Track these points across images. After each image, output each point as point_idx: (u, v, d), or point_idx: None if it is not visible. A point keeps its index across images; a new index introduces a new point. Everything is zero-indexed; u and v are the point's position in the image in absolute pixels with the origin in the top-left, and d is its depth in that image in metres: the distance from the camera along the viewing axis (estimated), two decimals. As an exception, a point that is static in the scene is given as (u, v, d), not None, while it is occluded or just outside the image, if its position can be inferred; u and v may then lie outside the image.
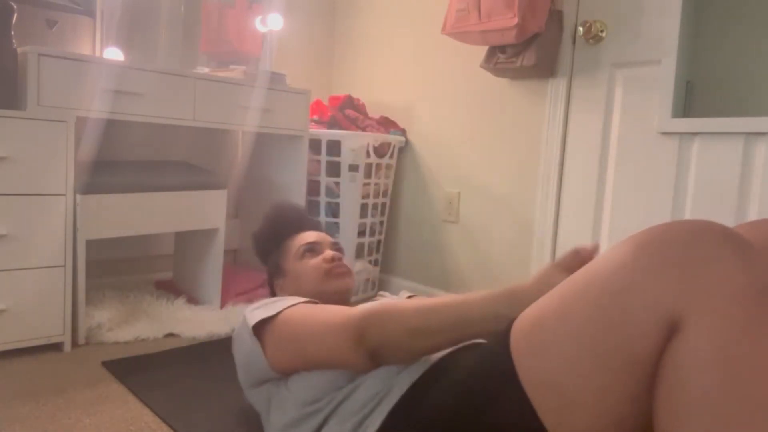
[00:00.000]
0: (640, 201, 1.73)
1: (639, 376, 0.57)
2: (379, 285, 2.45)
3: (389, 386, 0.88)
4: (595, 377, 0.59)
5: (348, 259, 1.23)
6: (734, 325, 0.52)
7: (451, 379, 0.78)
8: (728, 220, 1.55)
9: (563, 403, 0.61)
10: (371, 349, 0.87)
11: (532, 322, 0.67)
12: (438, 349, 0.85)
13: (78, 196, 1.59)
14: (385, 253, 2.50)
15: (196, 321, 1.84)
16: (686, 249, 0.55)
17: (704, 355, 0.52)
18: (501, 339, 0.71)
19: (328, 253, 1.20)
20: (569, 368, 0.61)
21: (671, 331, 0.54)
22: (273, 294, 1.29)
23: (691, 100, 1.85)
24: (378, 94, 2.56)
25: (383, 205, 2.39)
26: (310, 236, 1.25)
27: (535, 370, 0.64)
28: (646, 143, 1.71)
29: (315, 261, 1.20)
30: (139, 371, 1.48)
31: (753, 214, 1.52)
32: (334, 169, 2.20)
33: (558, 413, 0.62)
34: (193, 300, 2.03)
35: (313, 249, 1.23)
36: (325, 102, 2.45)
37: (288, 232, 1.30)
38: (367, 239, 2.30)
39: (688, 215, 1.63)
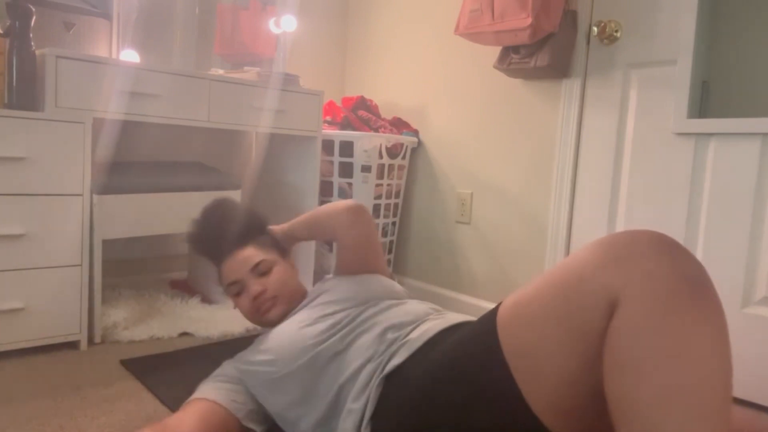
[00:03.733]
0: (655, 202, 1.71)
1: (588, 342, 0.73)
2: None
3: (389, 354, 1.00)
4: (554, 341, 0.76)
5: (278, 270, 1.26)
6: (655, 303, 0.68)
7: (444, 349, 0.92)
8: (745, 222, 1.53)
9: (532, 365, 0.78)
10: None
11: (514, 301, 0.83)
12: None
13: (94, 197, 1.61)
14: (397, 253, 2.50)
15: (210, 321, 1.86)
16: (627, 249, 0.73)
17: (633, 324, 0.69)
18: (490, 316, 0.87)
19: (252, 290, 1.23)
20: (538, 336, 0.78)
21: (612, 308, 0.71)
22: None
23: (707, 100, 1.83)
24: (391, 95, 2.57)
25: (396, 205, 2.39)
26: (230, 273, 1.27)
27: (513, 340, 0.80)
28: (661, 144, 1.70)
29: (242, 301, 1.25)
30: (154, 369, 1.49)
31: (770, 216, 1.50)
32: (346, 170, 2.21)
33: (527, 373, 0.79)
34: (207, 300, 2.04)
35: (237, 287, 1.26)
36: (338, 103, 2.46)
37: (214, 253, 1.33)
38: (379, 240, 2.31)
39: (703, 217, 1.61)
